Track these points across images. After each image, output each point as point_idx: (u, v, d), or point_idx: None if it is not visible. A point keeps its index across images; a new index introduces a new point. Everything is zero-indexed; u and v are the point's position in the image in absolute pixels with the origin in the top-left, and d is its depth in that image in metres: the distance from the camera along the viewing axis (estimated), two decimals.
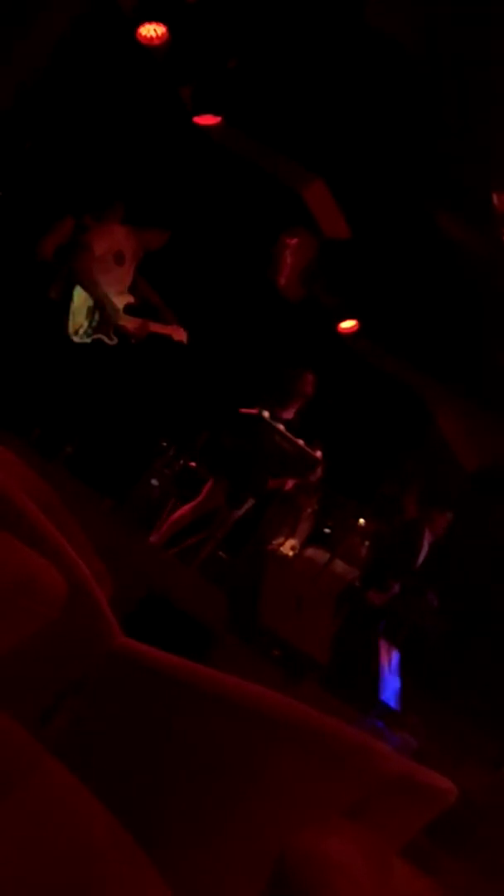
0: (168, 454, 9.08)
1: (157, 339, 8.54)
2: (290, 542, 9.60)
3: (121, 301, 8.06)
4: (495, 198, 9.02)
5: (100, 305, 7.86)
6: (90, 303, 7.92)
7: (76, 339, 7.90)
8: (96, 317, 7.91)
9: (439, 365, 11.62)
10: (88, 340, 7.95)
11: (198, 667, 2.77)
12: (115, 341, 8.06)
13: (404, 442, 11.89)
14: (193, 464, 9.13)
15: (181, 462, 9.14)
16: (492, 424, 12.10)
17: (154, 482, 8.94)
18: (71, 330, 7.88)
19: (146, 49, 8.73)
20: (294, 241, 11.08)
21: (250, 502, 8.68)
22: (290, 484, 9.07)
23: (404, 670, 8.52)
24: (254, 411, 8.46)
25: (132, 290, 8.26)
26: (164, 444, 9.16)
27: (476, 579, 11.58)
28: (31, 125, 8.56)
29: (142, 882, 2.10)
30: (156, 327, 8.32)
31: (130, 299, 8.19)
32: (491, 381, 11.46)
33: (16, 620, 2.26)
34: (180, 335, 8.49)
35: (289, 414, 8.73)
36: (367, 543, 10.05)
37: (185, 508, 8.48)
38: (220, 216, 10.15)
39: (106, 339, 8.01)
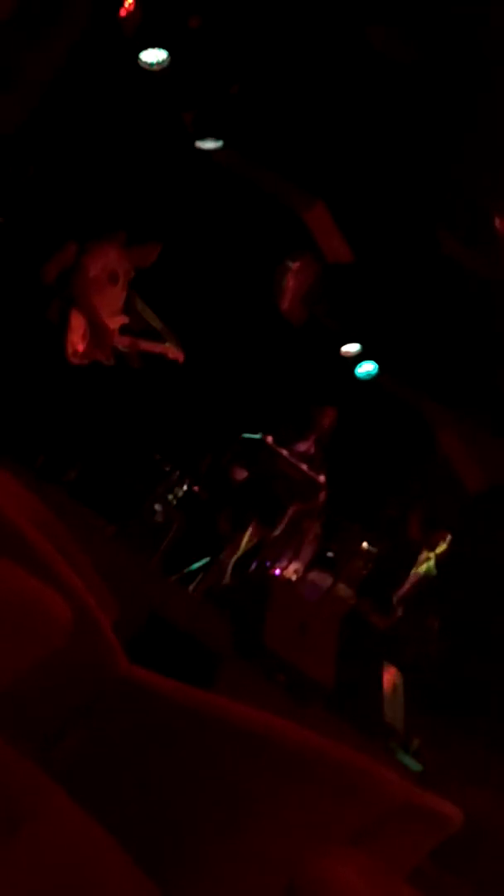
0: (171, 479, 9.07)
1: (159, 362, 8.55)
2: (294, 566, 9.60)
3: (115, 322, 8.07)
4: (497, 220, 9.05)
5: (94, 326, 7.88)
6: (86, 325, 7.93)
7: (74, 360, 7.90)
8: (92, 338, 7.92)
9: (443, 387, 11.63)
10: (86, 362, 7.96)
11: (203, 693, 2.78)
12: (112, 362, 8.06)
13: (407, 465, 11.89)
14: (197, 488, 9.13)
15: (184, 487, 9.13)
16: (495, 446, 12.10)
17: (157, 507, 8.93)
18: (69, 351, 7.89)
19: (148, 74, 8.78)
20: (296, 264, 11.10)
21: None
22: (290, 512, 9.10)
23: (409, 693, 8.50)
24: (257, 436, 8.48)
25: (127, 310, 8.26)
26: (168, 468, 9.16)
27: (480, 601, 11.56)
28: (33, 150, 8.59)
29: None
30: (146, 346, 8.32)
31: (125, 320, 8.19)
32: (494, 402, 11.47)
33: (21, 648, 2.26)
34: (174, 354, 8.47)
35: (305, 447, 8.78)
36: (370, 567, 10.06)
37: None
38: (223, 240, 10.17)
39: (103, 361, 8.01)
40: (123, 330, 8.20)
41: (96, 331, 7.85)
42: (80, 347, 7.83)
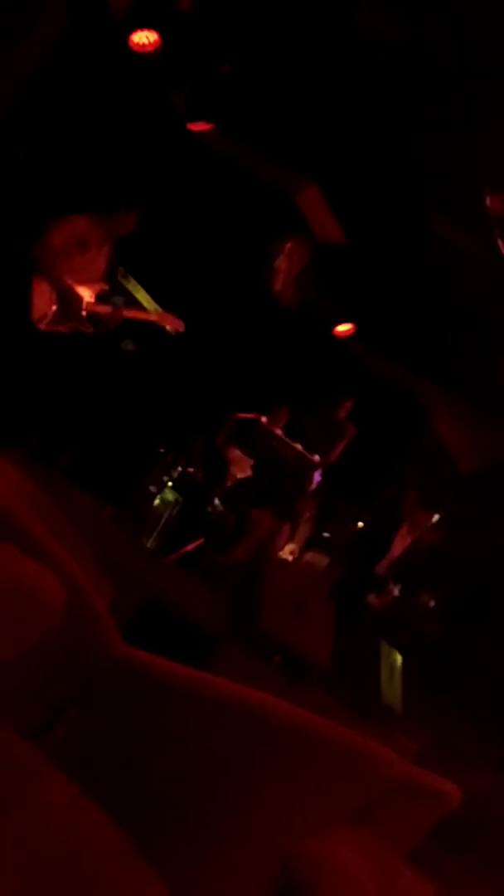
0: (166, 460, 9.07)
1: (154, 339, 8.51)
2: (290, 547, 9.60)
3: (90, 289, 8.00)
4: (489, 199, 9.03)
5: (61, 293, 7.83)
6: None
7: (42, 326, 7.83)
8: (61, 305, 7.87)
9: (435, 368, 11.63)
10: (63, 330, 7.89)
11: (199, 673, 2.76)
12: (90, 329, 8.00)
13: (402, 445, 11.89)
14: (191, 470, 9.12)
15: (179, 468, 9.13)
16: (488, 426, 12.09)
17: (153, 489, 8.93)
18: (35, 317, 7.82)
19: (139, 56, 8.74)
20: (288, 245, 11.08)
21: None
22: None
23: (406, 673, 8.51)
24: (251, 416, 8.47)
25: (108, 279, 8.19)
26: (162, 450, 9.15)
27: (475, 581, 11.57)
28: (24, 134, 8.55)
29: (145, 890, 2.09)
30: (132, 314, 8.26)
31: (102, 287, 8.13)
32: (487, 383, 11.46)
33: (16, 629, 2.25)
34: (170, 323, 8.39)
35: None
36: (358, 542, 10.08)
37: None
38: (214, 222, 10.14)
39: (80, 327, 7.95)
40: (103, 298, 8.12)
41: (65, 297, 7.80)
42: (48, 313, 7.77)
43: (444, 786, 3.27)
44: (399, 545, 10.06)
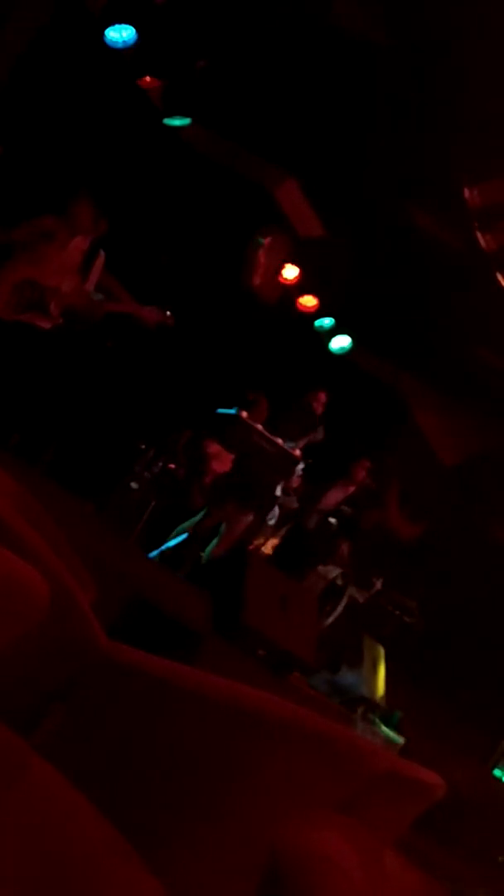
0: (147, 456, 9.06)
1: (137, 340, 8.50)
2: (272, 542, 9.61)
3: (62, 281, 7.93)
4: (467, 192, 9.05)
5: (29, 284, 7.78)
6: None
7: (5, 315, 7.79)
8: (26, 294, 7.82)
9: (416, 360, 11.66)
10: (22, 318, 7.83)
11: (183, 668, 2.77)
12: (58, 321, 7.95)
13: (383, 438, 11.91)
14: (172, 466, 9.12)
15: (160, 464, 9.12)
16: (469, 419, 12.14)
17: (133, 485, 8.92)
18: None
19: (115, 51, 8.73)
20: (267, 240, 11.08)
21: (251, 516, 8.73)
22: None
23: (390, 666, 8.54)
24: (231, 411, 8.47)
25: (83, 270, 8.12)
26: (143, 446, 9.14)
27: (459, 572, 11.61)
28: (1, 130, 8.53)
29: (134, 881, 2.10)
30: (113, 307, 8.21)
31: (75, 279, 8.06)
32: (467, 375, 11.50)
33: None
34: (153, 315, 8.32)
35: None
36: (348, 542, 10.08)
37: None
38: (192, 217, 10.14)
39: (41, 319, 7.88)
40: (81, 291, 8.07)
41: (33, 288, 7.76)
42: (8, 301, 7.72)
43: (429, 776, 3.29)
44: (333, 496, 10.04)
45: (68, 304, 7.87)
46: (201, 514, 8.74)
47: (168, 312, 8.23)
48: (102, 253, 7.99)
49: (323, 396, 9.38)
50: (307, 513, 9.87)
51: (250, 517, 8.77)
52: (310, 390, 9.78)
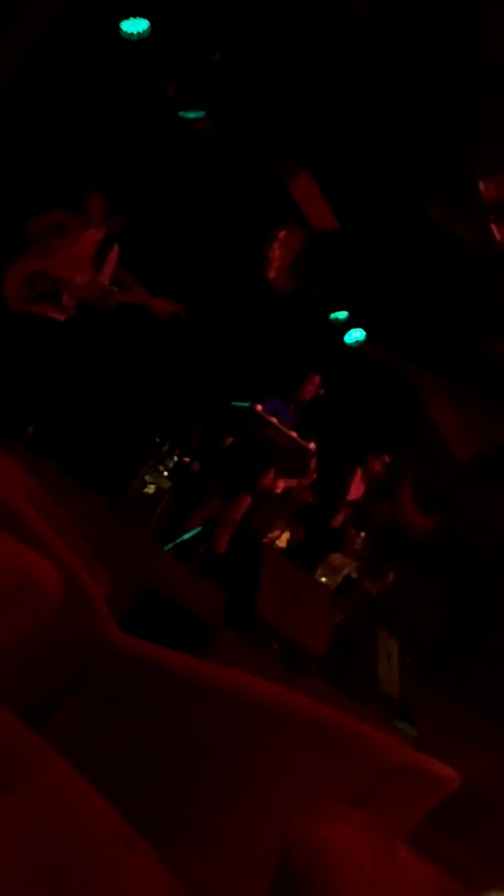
0: (161, 450, 9.06)
1: (151, 332, 8.49)
2: (286, 535, 9.61)
3: (75, 273, 7.95)
4: (482, 185, 9.02)
5: (41, 276, 7.80)
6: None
7: (16, 305, 7.80)
8: (38, 286, 7.83)
9: (430, 354, 11.63)
10: (34, 310, 7.85)
11: (196, 661, 2.77)
12: (71, 312, 7.96)
13: (397, 433, 11.89)
14: (187, 459, 9.13)
15: (175, 458, 9.13)
16: (484, 413, 12.11)
17: (148, 478, 8.93)
18: (8, 294, 7.79)
19: (129, 43, 8.72)
20: (282, 233, 11.07)
21: (248, 499, 8.70)
22: (280, 486, 9.08)
23: (403, 660, 8.53)
24: (245, 404, 8.45)
25: (96, 262, 8.13)
26: (158, 439, 9.14)
27: (473, 566, 11.60)
28: (13, 122, 8.54)
29: (147, 874, 2.10)
30: (126, 297, 8.20)
31: (88, 271, 8.07)
32: (482, 369, 11.47)
33: (13, 617, 2.26)
34: (165, 306, 8.31)
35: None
36: (363, 535, 10.06)
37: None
38: (207, 211, 10.13)
39: (55, 311, 7.89)
40: (94, 284, 8.08)
41: (36, 279, 7.77)
42: (20, 293, 7.74)
43: (443, 770, 3.29)
44: (356, 489, 10.03)
45: (82, 297, 7.88)
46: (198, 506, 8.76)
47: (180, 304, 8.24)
48: (116, 246, 7.99)
49: (318, 379, 9.32)
50: (333, 509, 9.86)
51: (248, 500, 8.75)
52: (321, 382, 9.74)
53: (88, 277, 7.91)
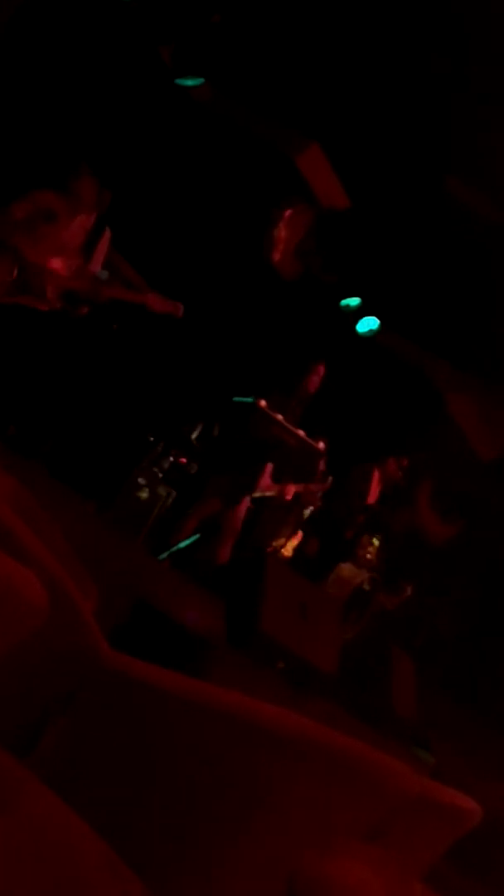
0: (156, 450, 9.06)
1: (144, 322, 8.50)
2: (293, 543, 9.60)
3: (63, 262, 7.97)
4: None
5: (26, 266, 7.82)
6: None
7: None
8: (20, 276, 7.86)
9: (450, 345, 11.61)
10: (19, 301, 7.88)
11: (193, 681, 2.78)
12: (55, 305, 7.99)
13: (414, 431, 11.88)
14: (184, 460, 9.12)
15: (171, 459, 9.12)
16: None
17: (142, 481, 8.93)
18: None
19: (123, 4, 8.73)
20: (288, 212, 11.06)
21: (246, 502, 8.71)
22: (290, 492, 9.09)
23: (420, 680, 8.53)
24: (249, 400, 8.46)
25: (86, 251, 8.16)
26: (152, 439, 9.14)
27: (495, 577, 11.59)
28: (4, 92, 8.55)
29: None
30: (117, 293, 8.23)
31: (76, 261, 8.10)
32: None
33: None
34: (162, 306, 8.35)
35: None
36: (376, 542, 10.06)
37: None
38: (208, 187, 10.12)
39: (40, 302, 7.92)
40: (83, 273, 8.11)
41: (24, 269, 7.80)
42: (5, 282, 7.77)
43: (464, 802, 3.29)
44: (373, 493, 10.06)
45: (69, 288, 7.91)
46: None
47: (178, 303, 8.27)
48: (108, 230, 8.00)
49: (322, 369, 9.33)
50: (352, 517, 9.88)
51: (246, 503, 8.76)
52: (333, 377, 9.74)
53: (77, 267, 7.93)
